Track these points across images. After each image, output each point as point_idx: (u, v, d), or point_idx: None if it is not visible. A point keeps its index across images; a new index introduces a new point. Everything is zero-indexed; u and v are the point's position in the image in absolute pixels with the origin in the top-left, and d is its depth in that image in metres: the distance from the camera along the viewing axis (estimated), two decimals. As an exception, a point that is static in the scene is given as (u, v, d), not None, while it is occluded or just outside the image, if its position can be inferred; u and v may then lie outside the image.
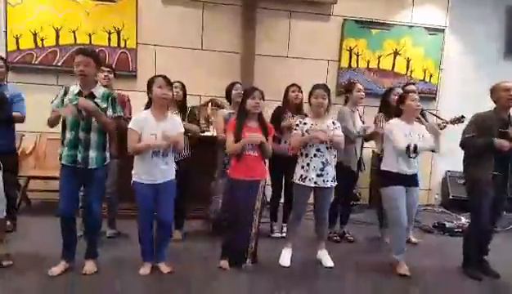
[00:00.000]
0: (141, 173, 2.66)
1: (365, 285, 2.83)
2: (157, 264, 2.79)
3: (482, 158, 2.91)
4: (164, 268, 2.78)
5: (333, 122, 3.02)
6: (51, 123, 2.59)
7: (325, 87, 3.03)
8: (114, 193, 3.34)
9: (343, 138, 2.99)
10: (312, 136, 2.89)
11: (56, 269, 2.62)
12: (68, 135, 2.54)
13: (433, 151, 3.06)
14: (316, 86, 3.03)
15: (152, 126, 2.63)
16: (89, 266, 2.69)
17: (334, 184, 3.01)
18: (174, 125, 2.72)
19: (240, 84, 3.58)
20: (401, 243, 3.00)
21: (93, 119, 2.53)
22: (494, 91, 2.96)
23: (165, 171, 2.70)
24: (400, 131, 2.92)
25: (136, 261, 2.79)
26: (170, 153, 2.73)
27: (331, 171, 2.97)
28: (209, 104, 4.55)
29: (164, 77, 2.68)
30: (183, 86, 3.45)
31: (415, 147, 2.82)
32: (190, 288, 2.61)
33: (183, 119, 3.20)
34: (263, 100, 2.90)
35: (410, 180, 2.96)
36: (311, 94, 3.03)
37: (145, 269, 2.75)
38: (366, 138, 3.63)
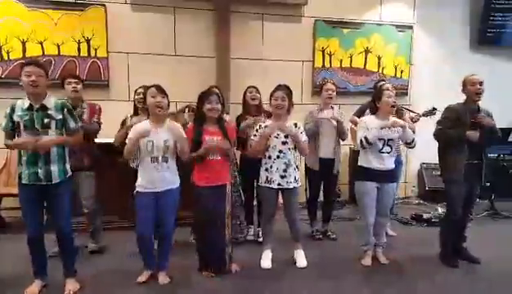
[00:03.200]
0: (144, 183, 2.64)
1: (346, 281, 2.86)
2: (157, 273, 2.77)
3: (456, 148, 3.02)
4: (162, 278, 2.75)
5: (295, 124, 3.01)
6: (11, 148, 2.52)
7: (285, 88, 3.02)
8: (92, 207, 3.24)
9: (307, 143, 3.04)
10: (271, 126, 2.89)
11: (32, 289, 2.54)
12: (25, 152, 2.42)
13: (407, 145, 3.12)
14: (276, 88, 3.03)
15: (150, 134, 2.59)
16: (71, 285, 2.61)
17: (298, 185, 3.04)
18: (174, 130, 2.66)
19: (216, 88, 3.55)
20: (367, 235, 3.12)
21: (50, 132, 2.43)
22: (463, 84, 3.09)
23: (167, 179, 2.67)
24: (362, 129, 3.01)
25: (121, 275, 2.76)
26: (171, 160, 2.70)
27: (294, 173, 3.00)
28: (186, 110, 4.50)
29: (157, 87, 2.67)
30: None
31: (366, 139, 2.91)
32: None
33: None
34: (222, 103, 2.89)
35: (383, 176, 3.03)
36: (271, 96, 3.03)
37: (141, 277, 2.73)
38: (340, 135, 3.63)
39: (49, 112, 2.46)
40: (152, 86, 2.69)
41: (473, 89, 3.00)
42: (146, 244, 2.71)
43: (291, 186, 2.99)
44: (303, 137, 3.02)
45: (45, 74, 2.46)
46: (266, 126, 2.97)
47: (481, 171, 3.08)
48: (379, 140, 2.96)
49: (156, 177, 2.63)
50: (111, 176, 3.47)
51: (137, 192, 2.67)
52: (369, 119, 3.09)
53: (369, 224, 3.10)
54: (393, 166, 3.09)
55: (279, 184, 2.97)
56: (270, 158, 2.99)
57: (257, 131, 3.02)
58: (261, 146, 2.96)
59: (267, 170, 3.02)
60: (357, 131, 3.11)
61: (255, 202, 3.70)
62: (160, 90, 2.65)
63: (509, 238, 3.89)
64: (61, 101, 2.57)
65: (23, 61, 3.91)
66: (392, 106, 3.05)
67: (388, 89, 3.19)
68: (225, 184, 2.87)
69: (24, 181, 2.45)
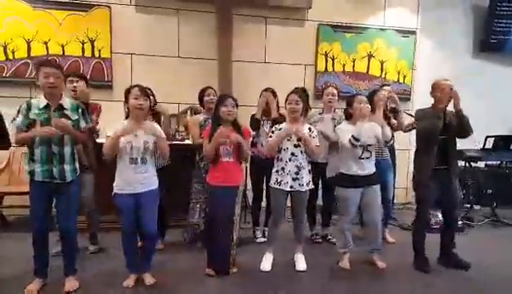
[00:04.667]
0: (122, 184, 2.62)
1: (342, 285, 2.86)
2: (142, 275, 2.76)
3: (424, 153, 3.05)
4: (148, 279, 2.75)
5: (309, 129, 3.03)
6: (21, 143, 2.51)
7: (300, 92, 3.03)
8: (92, 208, 3.26)
9: (319, 149, 3.04)
10: (287, 130, 2.91)
11: (32, 287, 2.55)
12: (39, 150, 2.46)
13: (386, 145, 3.15)
14: (292, 91, 3.05)
15: (129, 135, 2.58)
16: (71, 283, 2.63)
17: (310, 187, 3.05)
18: (152, 131, 2.64)
19: (211, 89, 3.57)
20: (344, 239, 3.15)
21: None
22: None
23: (146, 180, 2.65)
24: (345, 132, 3.03)
25: (119, 275, 2.75)
26: (150, 161, 2.68)
27: (306, 175, 3.00)
28: (188, 111, 4.53)
29: (140, 88, 2.65)
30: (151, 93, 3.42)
31: (354, 137, 2.92)
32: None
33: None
34: (237, 106, 2.92)
35: (364, 181, 3.04)
36: (286, 99, 3.06)
37: (128, 282, 2.71)
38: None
39: (66, 112, 2.51)
40: (135, 86, 2.67)
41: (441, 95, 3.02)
42: (131, 246, 2.70)
43: (303, 189, 2.98)
44: (316, 142, 3.01)
45: (62, 75, 2.51)
46: (280, 129, 3.00)
47: (450, 176, 3.06)
48: (359, 146, 2.97)
49: (134, 179, 2.61)
50: (111, 177, 3.48)
51: (115, 194, 2.64)
52: (343, 126, 3.12)
53: (345, 229, 3.13)
54: (374, 169, 3.09)
55: (291, 187, 2.97)
56: (282, 160, 2.99)
57: (273, 132, 3.04)
58: (277, 146, 2.98)
59: (277, 172, 3.02)
60: (338, 138, 3.10)
61: (263, 204, 3.70)
62: (143, 91, 2.64)
63: (509, 245, 3.87)
64: (76, 102, 2.65)
65: (36, 60, 4.00)
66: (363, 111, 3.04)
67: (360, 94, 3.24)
68: (237, 185, 2.90)
69: (36, 178, 2.48)
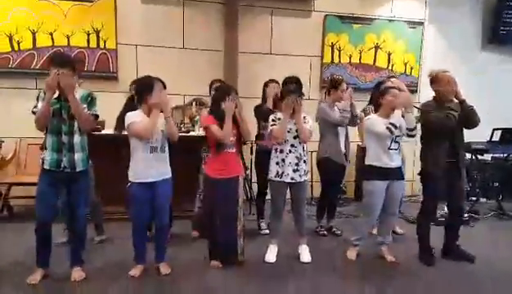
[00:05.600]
0: (140, 173, 2.62)
1: (349, 277, 2.87)
2: (158, 265, 2.80)
3: (434, 146, 3.00)
4: (164, 269, 2.79)
5: (304, 117, 3.03)
6: (42, 122, 2.47)
7: (296, 89, 3.07)
8: (96, 198, 3.28)
9: (311, 132, 3.04)
10: (286, 112, 2.91)
11: (34, 277, 2.57)
12: (50, 138, 2.50)
13: (409, 133, 3.02)
14: (288, 82, 3.06)
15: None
16: (77, 273, 2.65)
17: (307, 177, 3.06)
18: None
19: (219, 82, 3.56)
20: (364, 232, 3.15)
21: (75, 122, 2.50)
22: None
23: (162, 169, 2.68)
24: (379, 122, 2.98)
25: (125, 265, 2.78)
26: (167, 150, 2.70)
27: (304, 166, 3.03)
28: (194, 103, 4.52)
29: (163, 83, 2.73)
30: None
31: (394, 125, 2.87)
32: (181, 289, 2.62)
33: None
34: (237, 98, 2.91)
35: (393, 174, 3.01)
36: (283, 91, 3.07)
37: (134, 271, 2.73)
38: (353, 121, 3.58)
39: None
40: (157, 79, 2.70)
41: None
42: (142, 238, 2.73)
43: (302, 179, 3.02)
44: (309, 129, 3.03)
45: (72, 71, 2.50)
46: (279, 118, 3.00)
47: (459, 169, 3.04)
48: (394, 136, 2.93)
49: (154, 167, 2.63)
50: (115, 167, 3.49)
51: (132, 183, 2.65)
52: (373, 117, 3.09)
53: (372, 221, 3.10)
54: (401, 163, 3.08)
55: (292, 178, 2.99)
56: (282, 152, 3.01)
57: (273, 121, 3.03)
58: (284, 130, 2.96)
59: (278, 164, 3.03)
60: (369, 128, 3.06)
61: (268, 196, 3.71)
62: (164, 86, 2.70)
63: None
64: (88, 92, 2.65)
65: (51, 54, 4.07)
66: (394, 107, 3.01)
67: (393, 87, 3.15)
68: (237, 175, 2.90)
69: (46, 166, 2.51)
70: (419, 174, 3.17)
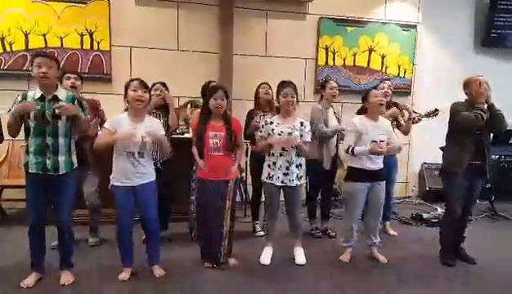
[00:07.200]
0: (119, 176, 2.61)
1: (343, 279, 2.87)
2: (151, 267, 2.78)
3: (460, 147, 3.00)
4: (158, 271, 2.77)
5: (301, 123, 3.01)
6: (13, 129, 2.45)
7: (293, 85, 3.04)
8: (95, 203, 3.25)
9: (312, 149, 3.06)
10: (276, 142, 2.93)
11: (28, 281, 2.55)
12: (33, 141, 2.45)
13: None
14: (283, 85, 3.04)
15: (127, 128, 2.56)
16: (66, 277, 2.63)
17: (300, 182, 3.05)
18: (152, 128, 2.66)
19: (215, 83, 3.55)
20: (348, 234, 3.17)
21: (59, 123, 2.45)
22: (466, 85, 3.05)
23: (143, 173, 2.64)
24: (352, 133, 3.03)
25: (117, 269, 2.75)
26: (147, 155, 2.68)
27: (296, 170, 3.00)
28: (188, 105, 4.50)
29: (140, 81, 2.65)
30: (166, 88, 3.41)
31: (352, 151, 2.96)
32: (173, 291, 2.60)
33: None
34: (227, 98, 2.89)
35: (374, 176, 3.03)
36: (278, 92, 3.04)
37: (124, 275, 2.70)
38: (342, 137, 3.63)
39: (60, 103, 2.47)
40: (135, 79, 2.67)
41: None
42: (127, 239, 2.70)
43: (293, 184, 3.00)
44: (308, 137, 3.01)
45: (56, 65, 2.48)
46: (271, 123, 3.01)
47: (483, 171, 3.05)
48: (372, 141, 2.94)
49: (131, 172, 2.60)
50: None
51: (112, 186, 2.63)
52: (359, 120, 3.07)
53: (354, 222, 3.13)
54: (382, 165, 3.09)
55: (282, 182, 2.99)
56: (273, 155, 3.01)
57: (262, 127, 3.05)
58: (265, 151, 3.04)
59: (269, 166, 3.04)
60: (344, 134, 3.10)
61: (263, 198, 3.70)
62: (143, 84, 2.64)
63: (506, 240, 3.89)
64: (72, 94, 2.61)
65: (32, 52, 4.00)
66: (381, 105, 3.06)
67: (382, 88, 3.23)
68: (226, 179, 2.88)
69: (30, 170, 2.47)
70: (440, 172, 3.16)
